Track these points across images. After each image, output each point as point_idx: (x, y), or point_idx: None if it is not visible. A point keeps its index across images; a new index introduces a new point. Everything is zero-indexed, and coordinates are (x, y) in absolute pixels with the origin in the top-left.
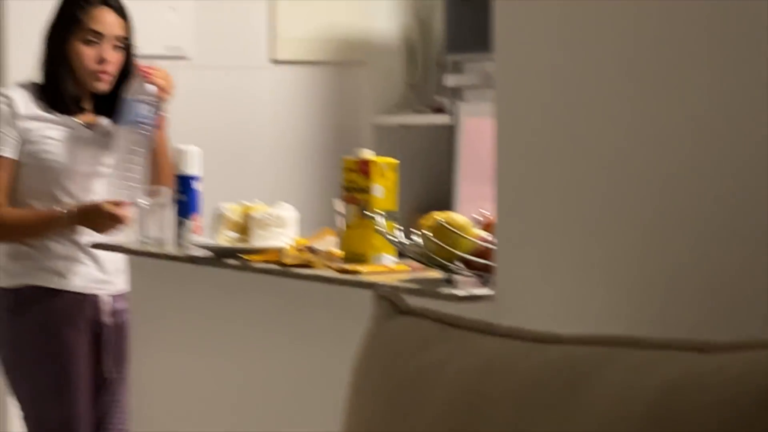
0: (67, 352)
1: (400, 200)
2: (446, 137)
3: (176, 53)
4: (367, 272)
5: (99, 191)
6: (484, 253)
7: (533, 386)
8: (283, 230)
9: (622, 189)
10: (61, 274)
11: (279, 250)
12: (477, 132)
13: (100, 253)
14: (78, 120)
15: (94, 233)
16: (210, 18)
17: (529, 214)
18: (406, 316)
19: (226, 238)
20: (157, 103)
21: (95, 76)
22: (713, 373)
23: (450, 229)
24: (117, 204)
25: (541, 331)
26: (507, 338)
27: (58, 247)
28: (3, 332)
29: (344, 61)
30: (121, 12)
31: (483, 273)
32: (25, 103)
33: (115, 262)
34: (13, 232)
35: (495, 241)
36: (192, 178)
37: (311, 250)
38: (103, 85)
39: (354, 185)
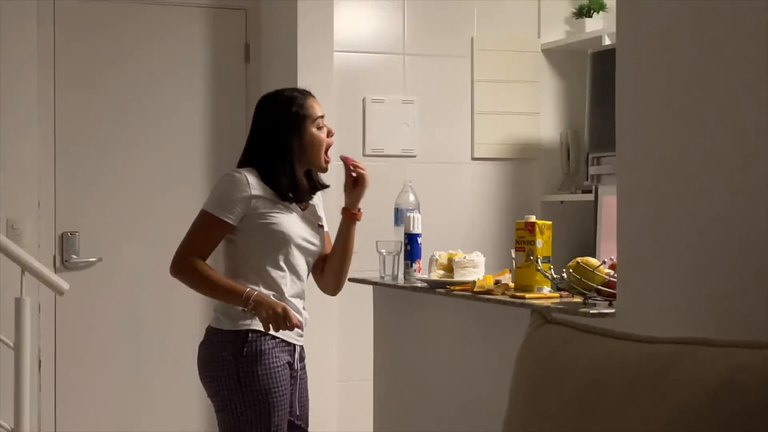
0: (278, 395)
1: (559, 254)
2: (591, 210)
3: (408, 153)
4: (530, 297)
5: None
6: (610, 284)
7: (635, 373)
8: (475, 269)
9: (716, 251)
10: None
11: (472, 283)
12: (613, 206)
13: (301, 310)
14: (299, 207)
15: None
16: (430, 129)
17: (643, 257)
18: (552, 325)
19: (437, 275)
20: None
21: (326, 155)
22: (763, 365)
23: (585, 267)
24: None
25: (643, 334)
26: (620, 340)
27: (278, 298)
28: (229, 371)
29: (521, 158)
30: None
31: (609, 298)
32: (258, 185)
33: (306, 321)
34: (198, 286)
35: (618, 276)
36: (416, 235)
37: (495, 282)
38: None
39: (523, 239)
